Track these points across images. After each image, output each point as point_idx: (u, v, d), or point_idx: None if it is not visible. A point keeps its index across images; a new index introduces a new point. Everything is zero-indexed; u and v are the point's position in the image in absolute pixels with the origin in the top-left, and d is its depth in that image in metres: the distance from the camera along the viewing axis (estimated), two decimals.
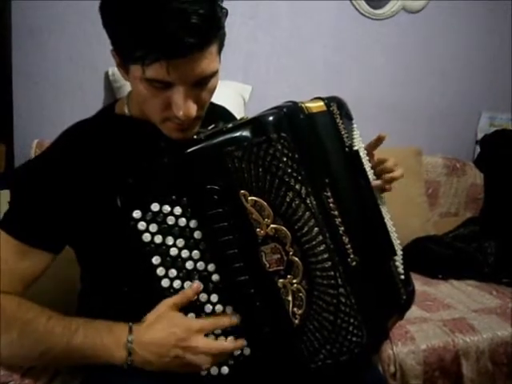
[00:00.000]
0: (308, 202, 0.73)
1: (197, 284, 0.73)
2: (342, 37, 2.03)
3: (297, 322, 0.74)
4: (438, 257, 1.77)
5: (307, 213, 0.73)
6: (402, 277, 0.88)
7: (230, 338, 0.75)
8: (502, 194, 2.06)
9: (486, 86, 2.29)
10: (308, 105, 0.78)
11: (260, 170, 0.71)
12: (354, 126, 0.87)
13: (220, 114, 1.01)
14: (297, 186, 0.72)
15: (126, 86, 1.64)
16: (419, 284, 1.65)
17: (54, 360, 0.76)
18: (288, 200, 0.72)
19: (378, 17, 2.06)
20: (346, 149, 0.82)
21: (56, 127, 1.63)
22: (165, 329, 0.72)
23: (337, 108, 0.82)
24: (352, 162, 0.83)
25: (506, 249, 1.77)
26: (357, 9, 2.02)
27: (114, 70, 1.68)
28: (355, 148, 0.84)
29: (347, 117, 0.85)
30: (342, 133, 0.82)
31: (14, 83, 1.52)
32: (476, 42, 2.24)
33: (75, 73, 1.69)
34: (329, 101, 0.82)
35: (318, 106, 0.80)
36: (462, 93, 2.26)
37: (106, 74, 1.71)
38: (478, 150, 2.30)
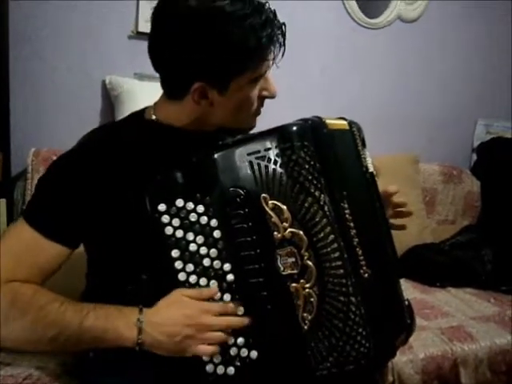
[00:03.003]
0: (326, 209, 0.74)
1: (216, 289, 0.76)
2: (338, 46, 2.04)
3: (306, 327, 0.74)
4: (435, 265, 1.77)
5: (324, 219, 0.74)
6: (406, 303, 0.89)
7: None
8: (499, 201, 2.06)
9: (482, 94, 2.31)
10: (332, 121, 0.82)
11: (282, 175, 0.74)
12: (367, 153, 0.90)
13: None
14: (316, 193, 0.74)
15: (124, 95, 1.65)
16: (417, 292, 1.65)
17: (65, 343, 0.76)
18: (307, 205, 0.74)
19: (374, 26, 2.07)
20: (364, 168, 0.86)
21: (53, 136, 1.65)
22: (176, 310, 0.75)
23: (357, 130, 0.87)
24: (368, 181, 0.86)
25: (503, 256, 1.77)
26: (352, 18, 2.03)
27: (110, 79, 1.68)
28: (370, 170, 0.88)
29: (363, 143, 0.89)
30: (361, 153, 0.86)
31: (11, 92, 1.51)
32: (472, 50, 2.26)
33: (72, 82, 1.69)
34: (351, 122, 0.86)
35: (341, 124, 0.85)
36: (459, 100, 2.27)
37: (103, 83, 1.71)
38: (475, 157, 2.31)
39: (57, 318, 0.75)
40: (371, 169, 0.88)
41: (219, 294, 0.76)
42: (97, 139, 0.87)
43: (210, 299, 0.76)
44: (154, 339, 0.74)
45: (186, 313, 0.74)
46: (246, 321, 0.76)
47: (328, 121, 0.80)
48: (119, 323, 0.75)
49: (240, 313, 0.76)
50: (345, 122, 0.85)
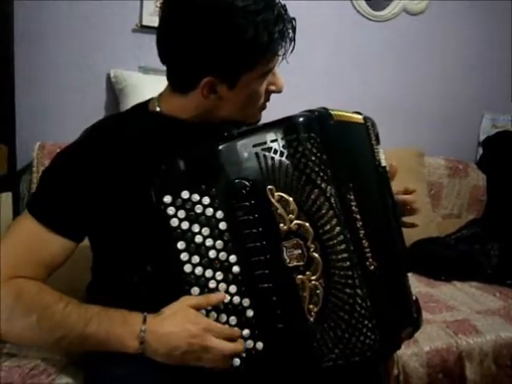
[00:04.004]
0: (332, 201, 0.74)
1: (223, 295, 0.75)
2: (343, 38, 2.03)
3: (312, 319, 0.74)
4: (440, 258, 1.77)
5: (331, 211, 0.74)
6: (414, 298, 0.89)
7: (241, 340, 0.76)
8: (505, 195, 2.05)
9: (488, 88, 2.29)
10: (341, 113, 0.81)
11: (288, 166, 0.73)
12: (381, 150, 0.89)
13: None
14: (323, 185, 0.74)
15: (128, 89, 1.65)
16: (422, 286, 1.65)
17: (70, 345, 0.77)
18: (313, 197, 0.74)
19: (379, 19, 2.06)
20: (376, 162, 0.86)
21: (58, 130, 1.65)
22: (179, 324, 0.74)
23: (371, 125, 0.87)
24: (380, 175, 0.86)
25: (509, 250, 1.76)
26: (358, 11, 2.02)
27: (115, 73, 1.68)
28: (383, 165, 0.88)
29: (377, 139, 0.89)
30: (374, 147, 0.86)
31: (16, 86, 1.52)
32: (477, 44, 2.24)
33: (77, 75, 1.69)
34: (366, 117, 0.87)
35: (356, 118, 0.85)
36: (464, 94, 2.26)
37: (108, 77, 1.71)
38: (481, 151, 2.30)
39: (61, 320, 0.74)
40: (384, 163, 0.88)
41: (225, 286, 0.76)
42: (101, 131, 0.87)
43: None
44: (156, 350, 0.74)
45: (190, 330, 0.73)
46: (249, 346, 0.76)
47: (336, 112, 0.80)
48: (122, 331, 0.74)
49: (245, 334, 0.76)
50: (360, 116, 0.86)
